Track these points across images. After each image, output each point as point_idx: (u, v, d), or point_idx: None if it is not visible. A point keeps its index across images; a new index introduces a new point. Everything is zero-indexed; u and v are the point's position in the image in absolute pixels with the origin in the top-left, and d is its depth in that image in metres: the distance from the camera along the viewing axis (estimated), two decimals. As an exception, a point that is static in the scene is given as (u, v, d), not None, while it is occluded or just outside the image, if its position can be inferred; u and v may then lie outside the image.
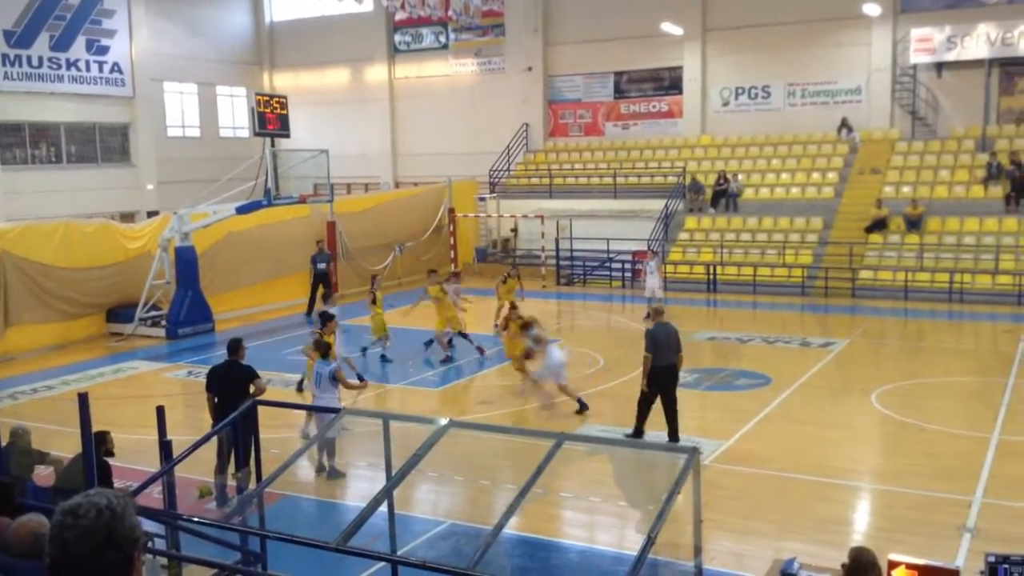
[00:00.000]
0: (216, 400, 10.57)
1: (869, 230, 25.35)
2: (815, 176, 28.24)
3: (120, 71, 32.62)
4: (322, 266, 23.17)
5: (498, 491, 10.67)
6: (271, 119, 21.45)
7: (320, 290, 21.95)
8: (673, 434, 11.91)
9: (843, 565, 5.73)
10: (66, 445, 9.08)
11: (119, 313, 21.04)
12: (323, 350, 11.61)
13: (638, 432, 12.05)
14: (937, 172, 26.64)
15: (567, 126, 34.14)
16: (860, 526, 9.77)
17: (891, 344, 19.73)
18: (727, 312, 23.31)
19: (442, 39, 36.08)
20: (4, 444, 7.84)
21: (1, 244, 18.80)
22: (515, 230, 31.18)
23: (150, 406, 8.25)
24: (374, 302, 17.83)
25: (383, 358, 17.75)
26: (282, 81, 38.73)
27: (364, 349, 17.58)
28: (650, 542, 5.21)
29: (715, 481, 10.21)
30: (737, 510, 9.67)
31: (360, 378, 13.80)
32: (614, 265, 27.27)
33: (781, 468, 11.06)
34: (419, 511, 10.00)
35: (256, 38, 39.10)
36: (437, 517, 9.88)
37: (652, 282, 21.56)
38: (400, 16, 36.29)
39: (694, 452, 5.92)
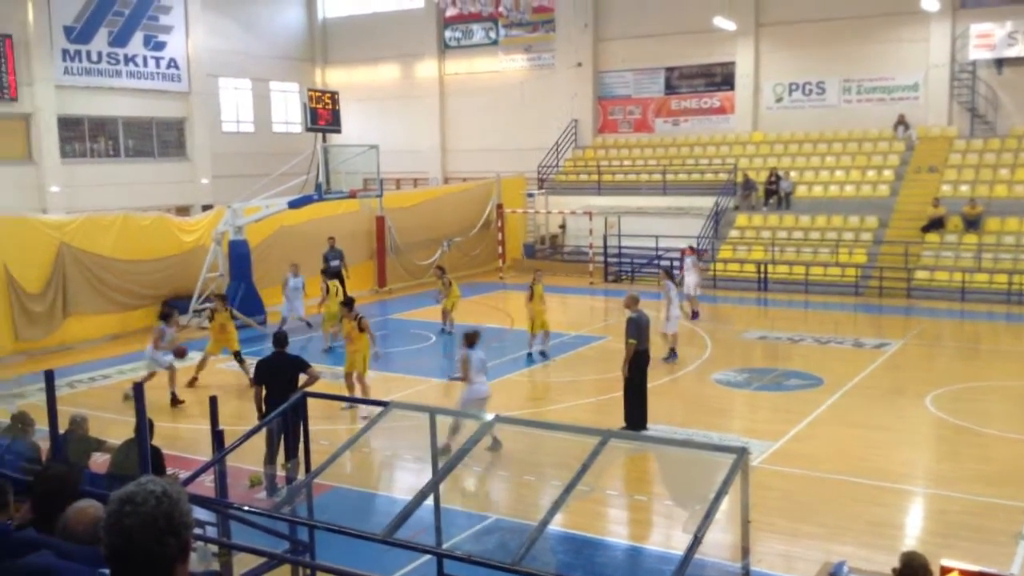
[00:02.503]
0: (265, 391, 10.74)
1: (926, 230, 24.83)
2: (870, 174, 27.74)
3: (176, 67, 33.22)
4: (335, 263, 22.02)
5: (543, 487, 10.67)
6: (323, 115, 21.68)
7: (336, 290, 20.36)
8: (635, 420, 12.28)
9: (894, 570, 5.64)
10: (122, 433, 9.27)
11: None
12: (473, 339, 11.85)
13: (642, 421, 12.32)
14: (996, 171, 26.00)
15: (616, 122, 33.96)
16: (912, 530, 9.59)
17: (947, 346, 19.32)
18: (778, 311, 23.01)
19: (492, 35, 36.13)
20: (63, 432, 8.03)
21: (61, 236, 19.27)
22: (563, 226, 31.13)
23: (203, 396, 8.39)
24: (532, 297, 17.36)
25: (542, 355, 17.27)
26: (334, 77, 39.12)
27: (542, 352, 17.33)
28: (697, 542, 5.16)
29: (764, 482, 10.10)
30: (786, 512, 9.55)
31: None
32: (663, 262, 27.05)
33: (832, 470, 10.90)
34: (465, 505, 10.04)
35: (309, 34, 39.54)
36: (482, 512, 9.92)
37: (690, 279, 21.43)
38: (451, 12, 36.39)
39: (743, 452, 5.85)
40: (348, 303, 14.69)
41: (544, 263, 29.30)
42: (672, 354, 16.83)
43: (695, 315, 20.94)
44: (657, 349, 14.80)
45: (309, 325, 20.44)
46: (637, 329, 12.50)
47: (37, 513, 4.41)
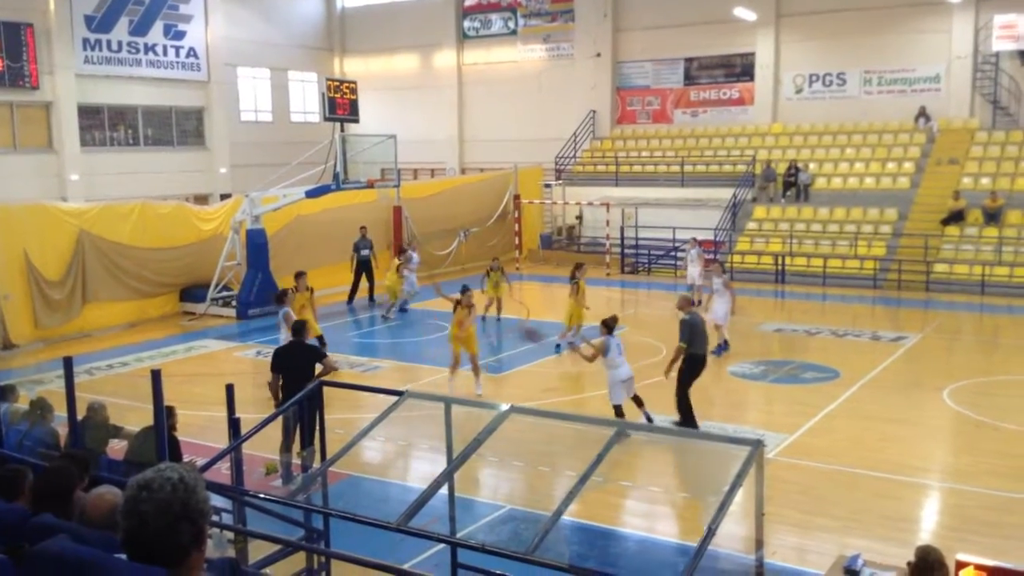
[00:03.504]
0: (281, 380, 10.80)
1: (946, 222, 24.62)
2: (890, 166, 27.51)
3: (196, 56, 33.33)
4: (365, 252, 22.57)
5: (557, 478, 10.69)
6: (341, 104, 21.70)
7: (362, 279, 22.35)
8: (689, 422, 12.00)
9: (909, 563, 5.61)
10: (140, 420, 9.35)
11: (192, 293, 21.58)
12: (612, 324, 12.04)
13: (693, 424, 12.00)
14: (1018, 163, 25.73)
15: (635, 113, 33.83)
16: (928, 524, 9.54)
17: (966, 340, 19.17)
18: (795, 304, 22.91)
19: (511, 25, 36.03)
20: (81, 418, 8.10)
21: (80, 224, 19.41)
22: (580, 217, 31.07)
23: (220, 384, 8.45)
24: (577, 291, 17.21)
25: (557, 347, 17.07)
26: (352, 67, 39.15)
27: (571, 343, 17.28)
28: (711, 534, 5.16)
29: (779, 475, 10.07)
30: (801, 505, 9.52)
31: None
32: (680, 254, 26.98)
33: (847, 463, 10.85)
34: (479, 495, 10.07)
35: (327, 24, 39.56)
36: (496, 501, 9.94)
37: (693, 271, 21.52)
38: (470, 2, 36.41)
39: (758, 445, 5.83)
40: (464, 290, 14.90)
41: (561, 254, 29.28)
42: (723, 346, 16.80)
43: (698, 303, 21.11)
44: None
45: (404, 310, 21.14)
46: (690, 332, 12.08)
47: (35, 506, 4.43)
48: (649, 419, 12.02)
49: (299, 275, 16.44)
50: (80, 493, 4.73)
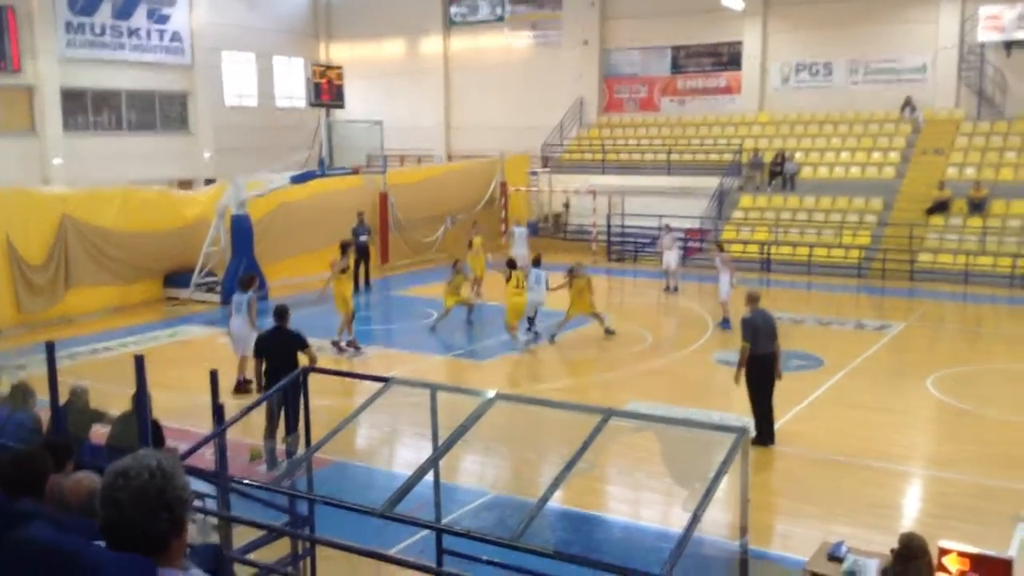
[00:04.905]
0: (265, 365, 10.74)
1: (930, 212, 24.74)
2: (876, 156, 27.60)
3: (180, 40, 33.04)
4: (364, 238, 22.41)
5: (543, 464, 10.69)
6: (326, 90, 21.59)
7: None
8: (762, 432, 10.99)
9: (892, 550, 5.64)
10: (123, 405, 9.28)
11: (176, 278, 21.44)
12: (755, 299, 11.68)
13: (768, 436, 11.06)
14: (1003, 154, 25.86)
15: (622, 101, 33.78)
16: (911, 512, 9.60)
17: (949, 329, 19.29)
18: (780, 292, 22.95)
19: (498, 11, 35.87)
20: (63, 403, 8.03)
21: (63, 208, 19.24)
22: (567, 205, 31.05)
23: (203, 369, 8.39)
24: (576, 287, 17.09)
25: (536, 335, 17.03)
26: (338, 52, 38.89)
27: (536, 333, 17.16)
28: (696, 520, 5.16)
29: (763, 462, 10.12)
30: (785, 491, 9.57)
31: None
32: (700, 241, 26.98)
33: (831, 451, 10.90)
34: (464, 481, 10.06)
35: (313, 9, 39.27)
36: (482, 487, 9.94)
37: (669, 257, 21.94)
38: (456, -13, 36.22)
39: (743, 432, 5.84)
40: (510, 264, 16.76)
41: (547, 241, 29.24)
42: (725, 322, 17.30)
43: (675, 289, 21.89)
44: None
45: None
46: (751, 331, 11.11)
47: (8, 493, 4.37)
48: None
49: (344, 246, 17.40)
50: (58, 478, 4.68)
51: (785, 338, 17.38)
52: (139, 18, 31.68)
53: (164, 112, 33.44)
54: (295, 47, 38.24)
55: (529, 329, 17.07)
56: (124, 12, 31.23)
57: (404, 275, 25.23)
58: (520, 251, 22.71)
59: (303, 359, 10.42)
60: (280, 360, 10.45)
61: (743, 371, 11.17)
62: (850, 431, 11.74)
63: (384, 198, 25.98)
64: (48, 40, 29.04)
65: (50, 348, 7.22)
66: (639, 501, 10.10)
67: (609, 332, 17.05)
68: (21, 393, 8.84)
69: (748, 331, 11.18)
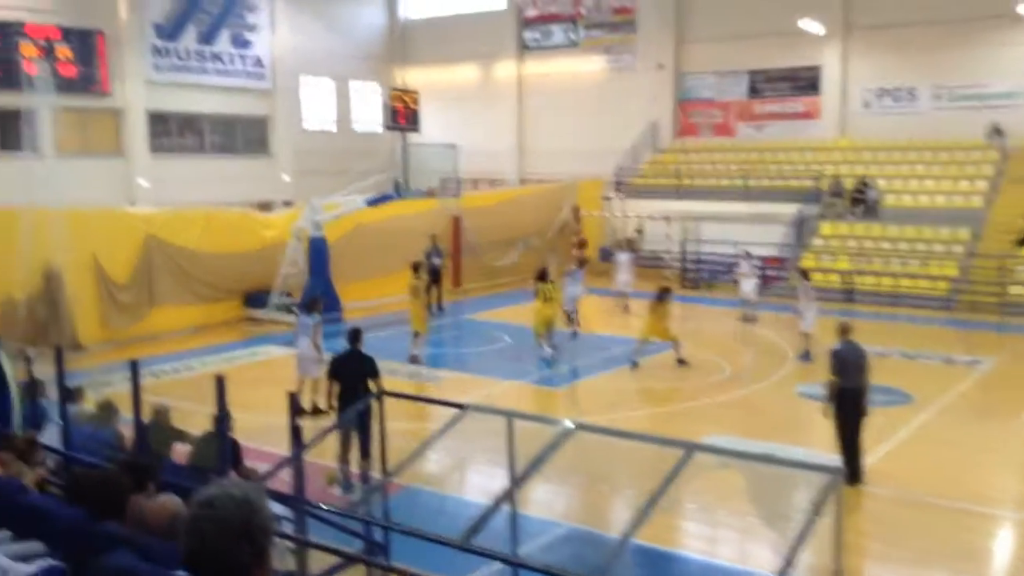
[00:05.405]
0: (339, 388, 10.72)
1: (1021, 243, 23.78)
2: (962, 184, 26.69)
3: (261, 65, 33.85)
4: (437, 261, 22.53)
5: (618, 497, 10.44)
6: (402, 114, 21.82)
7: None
8: (850, 469, 10.30)
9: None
10: (202, 424, 9.36)
11: (255, 298, 21.78)
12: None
13: (855, 475, 10.47)
14: (1099, 183, 24.77)
15: (697, 126, 33.41)
16: (1006, 559, 9.09)
17: (1043, 365, 18.41)
18: (864, 324, 22.07)
19: (572, 36, 35.91)
20: (147, 421, 8.12)
21: (149, 229, 19.73)
22: (640, 230, 30.73)
23: (280, 389, 8.40)
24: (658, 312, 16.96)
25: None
26: (413, 77, 39.35)
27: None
28: (789, 565, 4.92)
29: (851, 502, 9.70)
30: (874, 534, 9.15)
31: None
32: (736, 269, 26.47)
33: (923, 492, 10.42)
34: (537, 512, 9.87)
35: (390, 34, 39.89)
36: (555, 519, 9.73)
37: (746, 285, 21.42)
38: (531, 13, 36.39)
39: (838, 472, 5.58)
40: (542, 275, 17.05)
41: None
42: (806, 355, 16.84)
43: (753, 319, 21.42)
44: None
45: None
46: (839, 364, 10.77)
47: (90, 513, 4.36)
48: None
49: (415, 266, 18.23)
50: (140, 499, 4.67)
51: (870, 372, 16.91)
52: (223, 43, 32.56)
53: (245, 135, 34.24)
54: (371, 72, 38.87)
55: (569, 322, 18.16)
56: (208, 37, 32.15)
57: (476, 299, 25.21)
58: (624, 277, 22.44)
59: (372, 384, 10.39)
60: (353, 383, 10.43)
61: (831, 405, 10.77)
62: (942, 471, 11.22)
63: (458, 221, 26.06)
64: (136, 64, 30.02)
65: (134, 366, 7.31)
66: (724, 541, 9.77)
67: (681, 362, 16.70)
68: (106, 410, 8.99)
69: (836, 363, 10.82)
